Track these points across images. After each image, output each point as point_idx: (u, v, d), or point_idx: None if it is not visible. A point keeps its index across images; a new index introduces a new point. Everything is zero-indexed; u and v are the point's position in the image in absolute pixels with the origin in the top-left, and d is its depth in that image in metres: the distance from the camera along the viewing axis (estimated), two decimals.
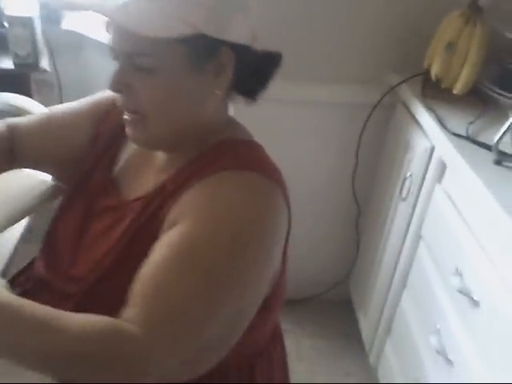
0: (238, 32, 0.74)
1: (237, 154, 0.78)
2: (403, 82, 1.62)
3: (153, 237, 0.72)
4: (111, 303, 0.67)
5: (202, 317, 0.65)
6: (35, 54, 1.72)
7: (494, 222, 1.12)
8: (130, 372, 0.63)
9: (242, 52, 0.75)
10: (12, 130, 0.94)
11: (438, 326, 1.29)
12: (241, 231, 0.69)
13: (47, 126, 0.95)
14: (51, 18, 1.84)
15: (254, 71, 0.80)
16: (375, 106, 1.71)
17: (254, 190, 0.74)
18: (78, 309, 0.68)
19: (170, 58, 0.72)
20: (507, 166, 1.22)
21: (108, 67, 0.78)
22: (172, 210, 0.73)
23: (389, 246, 1.64)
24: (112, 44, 0.74)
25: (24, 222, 1.02)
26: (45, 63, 1.77)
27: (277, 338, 0.97)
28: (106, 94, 0.94)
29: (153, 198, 0.78)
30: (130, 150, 0.90)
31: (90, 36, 1.91)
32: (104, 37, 1.82)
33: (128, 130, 0.79)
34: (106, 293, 0.75)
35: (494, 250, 1.13)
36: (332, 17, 1.63)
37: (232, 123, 0.86)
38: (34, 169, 0.99)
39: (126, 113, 0.78)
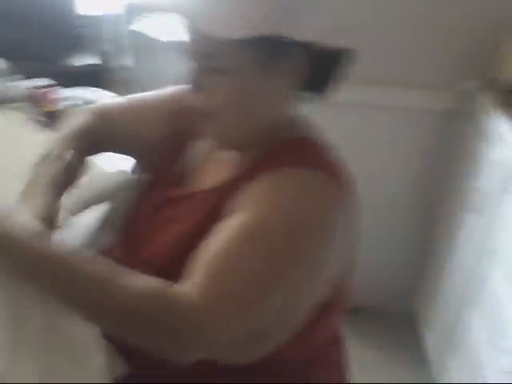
0: (307, 30, 0.73)
1: (304, 152, 0.79)
2: (479, 88, 1.56)
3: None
4: None
5: (260, 298, 0.66)
6: (116, 51, 1.78)
7: None
8: (179, 338, 0.63)
9: (310, 50, 0.75)
10: (101, 116, 0.99)
11: (509, 345, 1.23)
12: (304, 225, 0.70)
13: (131, 114, 0.99)
14: (134, 18, 1.89)
15: (323, 69, 0.79)
16: (449, 113, 1.65)
17: (319, 187, 0.74)
18: None
19: (241, 59, 0.72)
20: None
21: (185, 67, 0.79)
22: (237, 199, 0.75)
23: (457, 259, 1.58)
24: (188, 45, 0.76)
25: (101, 211, 1.06)
26: (126, 61, 1.82)
27: (336, 344, 0.96)
28: (183, 87, 0.97)
29: (220, 191, 0.80)
30: (200, 144, 0.92)
31: (164, 39, 1.95)
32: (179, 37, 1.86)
33: (202, 128, 0.81)
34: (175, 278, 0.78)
35: None
36: (405, 18, 1.59)
37: (301, 121, 0.86)
38: (116, 153, 1.04)
39: (200, 111, 0.79)
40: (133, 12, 1.86)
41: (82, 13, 1.73)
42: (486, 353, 1.36)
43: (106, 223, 1.04)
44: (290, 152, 0.79)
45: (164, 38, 1.86)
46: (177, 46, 0.80)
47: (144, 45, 1.97)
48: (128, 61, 1.90)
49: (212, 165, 0.88)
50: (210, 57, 0.73)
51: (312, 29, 0.73)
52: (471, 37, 1.60)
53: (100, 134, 0.97)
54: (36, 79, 1.40)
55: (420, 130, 1.70)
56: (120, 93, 1.71)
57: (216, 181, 0.83)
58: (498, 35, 1.53)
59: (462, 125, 1.66)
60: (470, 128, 1.62)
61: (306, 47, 0.74)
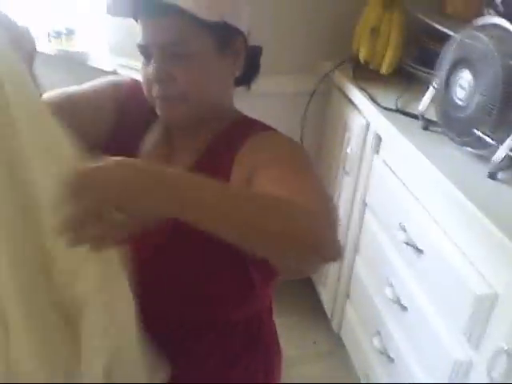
0: (246, 22, 0.89)
1: (259, 122, 0.95)
2: (335, 68, 1.78)
3: None
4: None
5: (326, 200, 0.78)
6: None
7: (427, 179, 1.28)
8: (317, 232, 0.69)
9: (247, 41, 0.90)
10: None
11: (391, 279, 1.44)
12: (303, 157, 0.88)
13: (70, 107, 0.94)
14: None
15: (250, 60, 0.94)
16: (313, 93, 1.86)
17: (291, 139, 0.92)
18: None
19: (201, 45, 0.84)
20: (433, 131, 1.39)
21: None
22: (241, 167, 0.85)
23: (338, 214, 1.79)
24: (145, 41, 0.85)
25: None
26: None
27: (271, 310, 1.12)
28: (120, 79, 1.03)
29: (198, 168, 0.89)
30: (151, 135, 0.97)
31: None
32: (45, 48, 1.84)
33: (166, 113, 0.89)
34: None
35: (430, 203, 1.29)
36: (266, 14, 1.77)
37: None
38: None
39: (163, 98, 0.87)
40: None
41: None
42: (374, 290, 1.58)
43: None
44: (254, 124, 0.94)
45: (43, 50, 1.87)
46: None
47: None
48: None
49: (168, 151, 0.94)
50: (178, 44, 0.82)
51: (247, 20, 0.89)
52: (325, 22, 1.82)
53: None
54: None
55: (293, 110, 1.89)
56: None
57: (185, 162, 0.91)
58: (349, 18, 1.75)
59: (328, 101, 1.88)
60: (334, 102, 1.84)
61: (243, 38, 0.89)
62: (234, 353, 0.98)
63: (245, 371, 0.99)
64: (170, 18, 0.81)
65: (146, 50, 0.86)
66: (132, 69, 1.63)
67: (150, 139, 0.97)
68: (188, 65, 0.84)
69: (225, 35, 0.86)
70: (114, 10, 0.89)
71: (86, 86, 0.99)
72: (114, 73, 1.76)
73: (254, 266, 0.90)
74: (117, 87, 0.99)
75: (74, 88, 0.98)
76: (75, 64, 1.84)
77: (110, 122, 0.96)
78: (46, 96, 0.93)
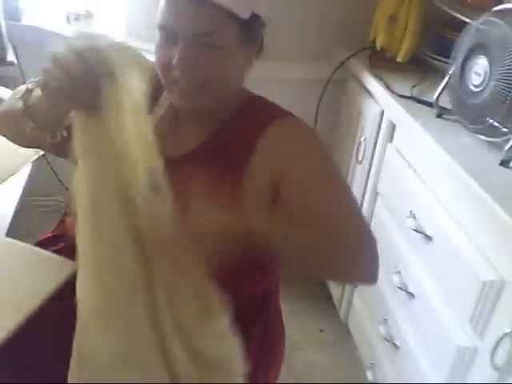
0: (258, 4, 0.89)
1: (273, 104, 0.96)
2: (352, 55, 1.77)
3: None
4: None
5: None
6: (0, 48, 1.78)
7: (440, 167, 1.27)
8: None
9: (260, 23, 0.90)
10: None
11: (399, 267, 1.44)
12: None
13: None
14: (12, 14, 1.90)
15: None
16: (329, 81, 1.85)
17: (308, 127, 0.97)
18: None
19: (229, 37, 0.85)
20: (447, 119, 1.38)
21: None
22: (258, 162, 0.89)
23: None
24: (172, 25, 0.83)
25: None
26: (9, 57, 1.83)
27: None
28: None
29: (210, 148, 0.91)
30: (155, 113, 0.96)
31: (51, 30, 1.97)
32: (64, 30, 1.87)
33: (184, 102, 0.89)
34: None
35: (441, 190, 1.28)
36: (283, 1, 1.76)
37: None
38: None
39: (184, 85, 0.86)
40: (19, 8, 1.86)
41: None
42: (382, 277, 1.56)
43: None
44: (267, 106, 0.95)
45: (58, 31, 1.89)
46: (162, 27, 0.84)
47: (40, 39, 1.97)
48: (18, 57, 1.90)
49: (177, 131, 0.95)
50: (209, 35, 0.83)
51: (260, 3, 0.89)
52: (343, 9, 1.81)
53: None
54: None
55: (308, 98, 1.88)
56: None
57: (194, 143, 0.92)
58: (367, 5, 1.74)
59: (344, 88, 1.86)
60: (350, 90, 1.83)
61: (263, 25, 0.90)
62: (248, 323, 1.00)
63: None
64: (203, 8, 0.81)
65: (170, 33, 0.85)
66: (146, 51, 1.65)
67: (155, 117, 0.95)
68: (214, 55, 0.85)
69: (250, 28, 0.87)
70: None
71: None
72: None
73: None
74: None
75: None
76: None
77: None
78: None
